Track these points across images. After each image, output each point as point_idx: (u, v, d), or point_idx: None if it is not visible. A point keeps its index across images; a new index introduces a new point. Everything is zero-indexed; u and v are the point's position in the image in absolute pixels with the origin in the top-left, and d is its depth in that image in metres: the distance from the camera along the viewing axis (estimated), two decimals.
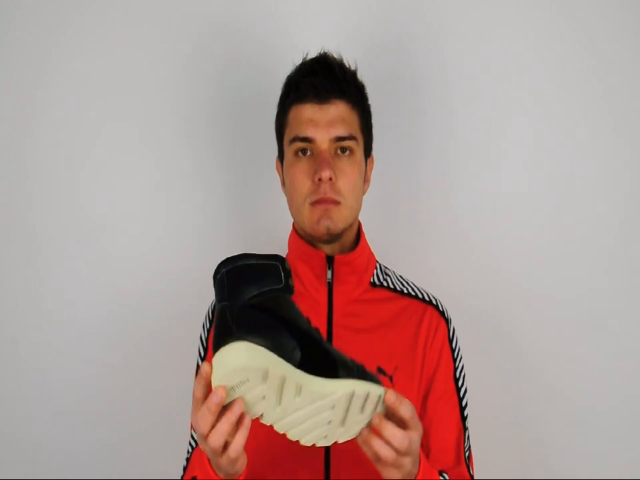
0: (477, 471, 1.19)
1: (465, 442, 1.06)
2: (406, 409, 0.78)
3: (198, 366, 1.11)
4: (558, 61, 1.35)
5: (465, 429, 1.07)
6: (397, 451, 0.78)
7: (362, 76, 1.11)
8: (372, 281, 1.10)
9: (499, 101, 1.36)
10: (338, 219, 1.02)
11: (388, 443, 0.77)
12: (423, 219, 1.37)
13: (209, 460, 0.80)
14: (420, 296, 1.11)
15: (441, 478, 0.92)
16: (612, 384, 1.35)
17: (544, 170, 1.36)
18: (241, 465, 0.78)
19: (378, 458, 0.79)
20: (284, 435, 0.78)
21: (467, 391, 1.10)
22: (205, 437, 0.73)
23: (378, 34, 1.36)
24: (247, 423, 0.74)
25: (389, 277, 1.13)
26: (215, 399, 0.71)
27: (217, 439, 0.72)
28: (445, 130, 1.37)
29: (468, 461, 1.05)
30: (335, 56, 1.08)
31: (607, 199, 1.36)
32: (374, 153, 1.14)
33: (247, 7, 1.36)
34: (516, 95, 1.36)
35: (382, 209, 1.33)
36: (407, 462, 0.79)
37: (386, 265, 1.16)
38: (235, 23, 1.37)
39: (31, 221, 1.38)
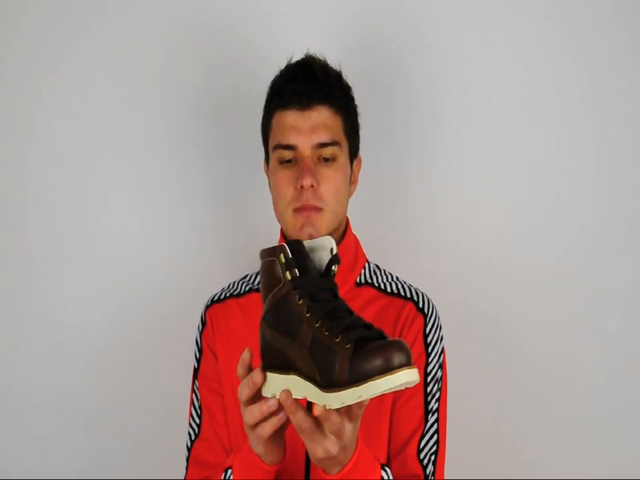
0: (476, 470, 1.18)
1: (424, 437, 1.01)
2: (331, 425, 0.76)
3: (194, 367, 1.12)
4: (542, 56, 1.34)
5: (430, 425, 1.02)
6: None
7: (346, 75, 1.10)
8: (358, 280, 1.10)
9: (485, 98, 1.35)
10: (321, 226, 1.02)
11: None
12: (409, 217, 1.37)
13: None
14: (402, 293, 1.09)
15: (383, 472, 0.87)
16: (611, 383, 1.34)
17: (532, 168, 1.35)
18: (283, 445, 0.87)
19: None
20: None
21: (440, 389, 1.06)
22: (253, 427, 0.82)
23: (362, 33, 1.35)
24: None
25: (378, 276, 1.12)
26: (267, 408, 0.80)
27: (267, 429, 0.81)
28: (431, 128, 1.36)
29: (429, 459, 1.00)
30: (319, 57, 1.07)
31: (596, 193, 1.34)
32: (361, 152, 1.14)
33: (230, 6, 1.36)
34: (502, 93, 1.34)
35: (369, 208, 1.33)
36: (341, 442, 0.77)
37: (376, 263, 1.16)
38: (218, 22, 1.36)
39: (30, 228, 1.39)
